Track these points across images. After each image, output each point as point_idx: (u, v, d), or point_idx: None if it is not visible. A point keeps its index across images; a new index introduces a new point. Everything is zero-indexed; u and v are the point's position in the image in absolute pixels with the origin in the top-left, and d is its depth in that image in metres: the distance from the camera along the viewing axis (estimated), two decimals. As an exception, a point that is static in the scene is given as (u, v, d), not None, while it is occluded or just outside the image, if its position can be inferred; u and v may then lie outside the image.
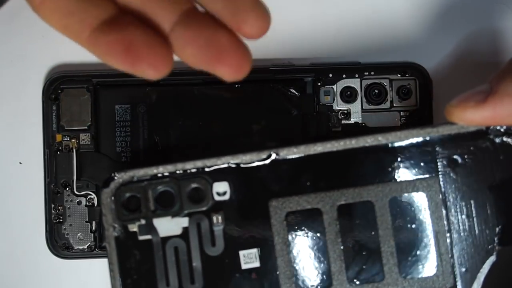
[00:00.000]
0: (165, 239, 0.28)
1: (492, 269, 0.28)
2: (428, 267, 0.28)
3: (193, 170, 0.28)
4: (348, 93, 0.35)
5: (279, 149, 0.28)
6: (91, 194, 0.35)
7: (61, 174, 0.35)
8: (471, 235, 0.28)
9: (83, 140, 0.35)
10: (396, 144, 0.28)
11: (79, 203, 0.35)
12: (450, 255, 0.28)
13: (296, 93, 0.35)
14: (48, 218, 0.35)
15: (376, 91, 0.35)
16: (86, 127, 0.35)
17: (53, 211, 0.35)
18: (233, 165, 0.28)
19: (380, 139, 0.28)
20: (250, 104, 0.34)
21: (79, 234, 0.35)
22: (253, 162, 0.28)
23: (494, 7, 0.36)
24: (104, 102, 0.35)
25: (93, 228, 0.35)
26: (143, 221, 0.28)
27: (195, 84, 0.35)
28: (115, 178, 0.28)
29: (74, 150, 0.35)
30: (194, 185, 0.28)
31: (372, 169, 0.28)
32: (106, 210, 0.28)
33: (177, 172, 0.28)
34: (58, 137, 0.35)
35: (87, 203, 0.35)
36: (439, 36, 0.36)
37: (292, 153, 0.28)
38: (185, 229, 0.28)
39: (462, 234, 0.28)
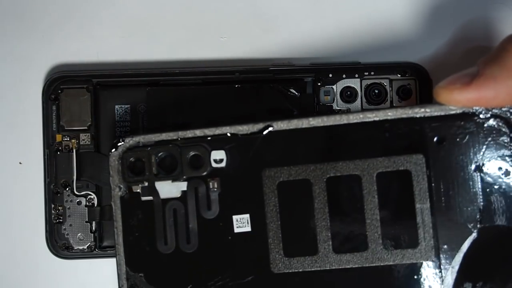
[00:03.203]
0: (165, 201, 0.30)
1: (473, 246, 0.28)
2: (411, 241, 0.29)
3: (194, 138, 0.30)
4: (348, 93, 0.35)
5: (274, 121, 0.29)
6: (91, 194, 0.35)
7: (61, 174, 0.35)
8: (453, 212, 0.29)
9: (83, 140, 0.35)
10: (385, 122, 0.29)
11: (79, 203, 0.35)
12: (432, 231, 0.29)
13: (296, 93, 0.35)
14: (48, 218, 0.35)
15: (376, 91, 0.35)
16: (86, 127, 0.35)
17: (53, 211, 0.35)
18: (230, 135, 0.30)
19: (370, 116, 0.29)
20: (250, 104, 0.34)
21: (79, 234, 0.35)
22: (250, 133, 0.29)
23: (493, 7, 0.36)
24: (104, 102, 0.35)
25: (93, 228, 0.35)
26: (146, 183, 0.30)
27: (195, 84, 0.35)
28: (123, 142, 0.30)
29: (74, 150, 0.35)
30: (194, 152, 0.30)
31: (361, 144, 0.29)
32: (113, 171, 0.30)
33: (179, 139, 0.30)
34: (58, 137, 0.35)
35: (87, 203, 0.35)
36: (439, 36, 0.36)
37: (286, 126, 0.29)
38: (184, 193, 0.30)
39: (445, 211, 0.29)
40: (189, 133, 0.30)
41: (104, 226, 0.35)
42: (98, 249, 0.35)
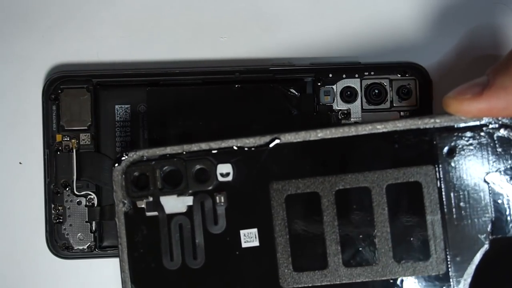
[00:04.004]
0: (171, 216, 0.30)
1: (484, 258, 0.28)
2: (422, 254, 0.29)
3: (199, 152, 0.29)
4: (348, 93, 0.35)
5: (281, 134, 0.29)
6: (91, 194, 0.35)
7: (61, 174, 0.35)
8: (465, 224, 0.28)
9: (83, 140, 0.35)
10: (394, 133, 0.29)
11: (79, 203, 0.35)
12: (443, 243, 0.28)
13: (296, 93, 0.35)
14: (48, 218, 0.35)
15: (376, 91, 0.35)
16: (86, 127, 0.35)
17: (53, 211, 0.35)
18: (237, 148, 0.29)
19: (379, 128, 0.29)
20: (250, 104, 0.34)
21: (79, 234, 0.35)
22: (256, 146, 0.29)
23: (493, 7, 0.36)
24: (104, 102, 0.35)
25: (93, 228, 0.35)
26: (150, 198, 0.29)
27: (195, 84, 0.35)
28: (126, 156, 0.29)
29: (74, 150, 0.34)
30: (199, 166, 0.29)
31: (370, 156, 0.29)
32: (116, 187, 0.29)
33: (184, 153, 0.29)
34: (58, 137, 0.35)
35: (87, 203, 0.35)
36: (439, 36, 0.36)
37: (294, 138, 0.29)
38: (190, 207, 0.29)
39: (456, 222, 0.28)
40: (194, 147, 0.29)
41: (104, 226, 0.35)
42: (98, 249, 0.35)
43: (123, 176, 0.29)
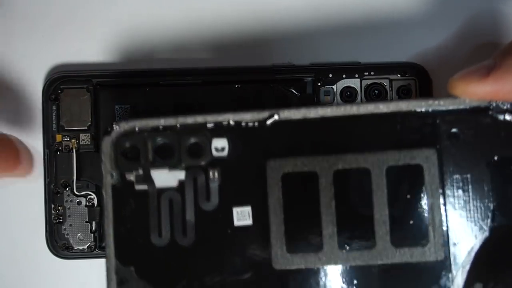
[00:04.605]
0: (161, 191, 0.28)
1: (484, 245, 0.28)
2: (420, 239, 0.28)
3: (194, 125, 0.28)
4: (348, 93, 0.35)
5: (280, 110, 0.28)
6: (91, 194, 0.35)
7: (61, 174, 0.35)
8: (465, 210, 0.28)
9: (83, 140, 0.35)
10: (397, 114, 0.28)
11: (79, 203, 0.35)
12: (443, 229, 0.28)
13: (296, 93, 0.35)
14: (48, 218, 0.35)
15: (376, 91, 0.35)
16: (86, 127, 0.35)
17: (53, 211, 0.35)
18: (234, 123, 0.28)
19: (381, 108, 0.28)
20: (250, 104, 0.34)
21: (79, 234, 0.35)
22: (254, 121, 0.28)
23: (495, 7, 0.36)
24: (104, 102, 0.35)
25: (93, 228, 0.35)
26: (140, 171, 0.28)
27: (195, 84, 0.35)
28: (117, 127, 0.28)
29: (74, 150, 0.34)
30: (193, 140, 0.28)
31: (371, 137, 0.28)
32: (105, 158, 0.28)
33: (178, 126, 0.28)
34: (58, 137, 0.35)
35: (87, 203, 0.35)
36: (439, 36, 0.36)
37: (293, 115, 0.28)
38: (181, 182, 0.28)
39: (456, 208, 0.28)
40: (189, 119, 0.28)
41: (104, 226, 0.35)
42: (98, 249, 0.35)
43: (113, 146, 0.28)
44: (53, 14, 0.36)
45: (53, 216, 0.35)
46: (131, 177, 0.28)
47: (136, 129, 0.28)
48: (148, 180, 0.28)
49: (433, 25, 0.36)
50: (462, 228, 0.28)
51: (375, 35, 0.36)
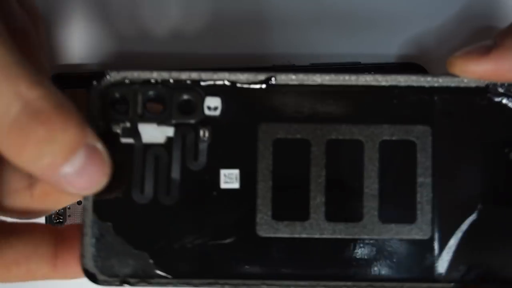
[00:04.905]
0: (147, 146, 0.27)
1: (472, 227, 0.27)
2: (407, 216, 0.27)
3: (187, 81, 0.27)
4: (348, 93, 0.35)
5: (278, 73, 0.28)
6: (91, 194, 0.35)
7: (61, 174, 0.35)
8: (455, 190, 0.28)
9: (83, 140, 0.35)
10: (395, 88, 0.28)
11: (79, 203, 0.35)
12: (431, 208, 0.27)
13: (296, 93, 0.35)
14: (48, 218, 0.35)
15: (376, 91, 0.35)
16: (86, 127, 0.35)
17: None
18: (229, 83, 0.28)
19: (380, 80, 0.28)
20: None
21: (79, 234, 0.35)
22: (250, 83, 0.28)
23: (497, 8, 0.36)
24: (104, 102, 0.35)
25: (93, 228, 0.35)
26: (128, 124, 0.27)
27: (195, 85, 0.34)
28: (107, 76, 0.27)
29: (74, 150, 0.34)
30: (186, 96, 0.27)
31: (367, 109, 0.28)
32: (92, 107, 0.27)
33: (171, 80, 0.27)
34: (58, 137, 0.35)
35: (87, 203, 0.35)
36: (439, 36, 0.36)
37: (290, 80, 0.28)
38: (170, 139, 0.27)
39: (446, 188, 0.28)
40: (183, 75, 0.27)
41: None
42: (97, 249, 0.35)
43: (101, 96, 0.27)
44: (52, 14, 0.36)
45: (53, 216, 0.35)
46: (117, 129, 0.27)
47: (127, 80, 0.27)
48: (135, 134, 0.27)
49: (433, 27, 0.36)
50: (450, 209, 0.28)
51: (374, 27, 0.36)
